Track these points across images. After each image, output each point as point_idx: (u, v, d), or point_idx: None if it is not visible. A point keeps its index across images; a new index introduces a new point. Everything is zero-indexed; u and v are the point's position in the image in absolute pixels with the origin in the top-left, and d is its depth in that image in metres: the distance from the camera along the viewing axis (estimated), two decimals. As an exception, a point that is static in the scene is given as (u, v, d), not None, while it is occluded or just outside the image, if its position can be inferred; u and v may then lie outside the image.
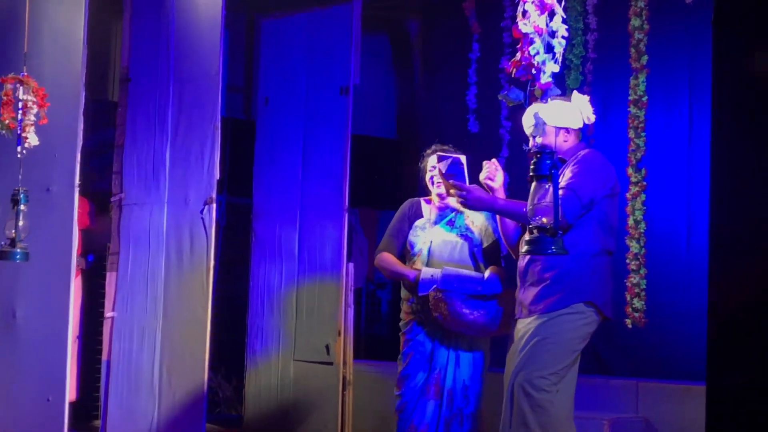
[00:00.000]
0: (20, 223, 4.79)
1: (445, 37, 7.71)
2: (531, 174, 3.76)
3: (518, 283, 4.56)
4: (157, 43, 6.76)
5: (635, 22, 6.34)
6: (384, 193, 8.64)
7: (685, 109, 6.59)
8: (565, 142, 4.50)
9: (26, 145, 4.78)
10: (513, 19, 6.79)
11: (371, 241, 8.51)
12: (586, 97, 4.44)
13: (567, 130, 4.49)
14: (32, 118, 4.81)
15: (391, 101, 8.31)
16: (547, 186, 3.68)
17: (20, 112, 4.77)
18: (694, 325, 6.47)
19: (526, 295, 4.47)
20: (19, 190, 4.74)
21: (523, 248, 3.76)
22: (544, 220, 3.68)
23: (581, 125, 4.50)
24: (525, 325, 4.45)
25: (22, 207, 4.77)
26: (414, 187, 8.26)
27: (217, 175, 6.44)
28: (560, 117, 4.35)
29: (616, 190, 4.53)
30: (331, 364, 6.65)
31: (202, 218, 6.40)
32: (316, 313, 6.78)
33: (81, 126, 5.98)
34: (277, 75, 7.18)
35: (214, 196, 6.43)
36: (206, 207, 6.41)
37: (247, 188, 7.22)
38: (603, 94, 6.72)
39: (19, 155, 4.79)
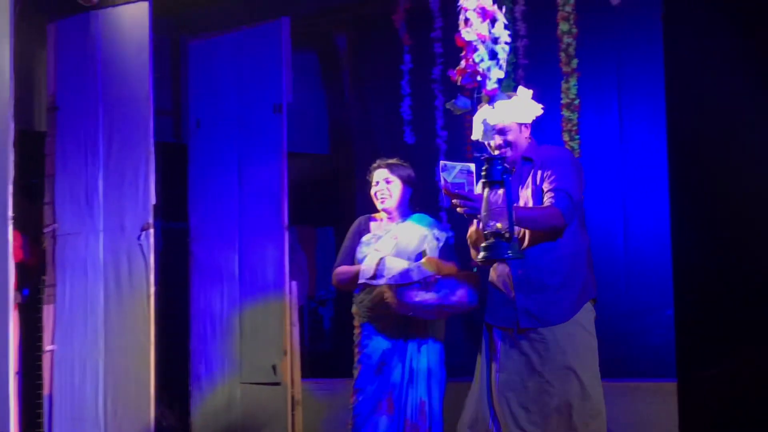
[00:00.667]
0: None
1: (376, 50, 7.71)
2: (483, 180, 3.77)
3: (507, 291, 4.35)
4: (83, 70, 6.70)
5: (563, 26, 6.39)
6: (321, 209, 8.60)
7: (614, 109, 6.67)
8: (526, 139, 4.43)
9: None
10: (443, 29, 6.89)
11: (311, 258, 8.46)
12: (530, 92, 4.41)
13: (525, 125, 4.43)
14: None
15: (324, 117, 8.27)
16: (500, 191, 3.70)
17: None
18: (635, 324, 6.55)
19: (530, 303, 4.29)
20: None
21: (480, 255, 3.76)
22: (499, 225, 3.69)
23: (533, 118, 4.45)
24: (540, 335, 4.27)
25: None
26: (351, 201, 8.25)
27: (153, 200, 6.38)
28: (518, 113, 4.34)
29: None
30: (278, 384, 6.60)
31: (140, 244, 6.33)
32: (260, 334, 6.72)
33: (12, 157, 5.88)
34: (208, 96, 7.12)
35: (151, 221, 6.36)
36: (143, 233, 6.35)
37: (183, 212, 7.14)
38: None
39: None
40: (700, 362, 2.79)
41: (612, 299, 6.49)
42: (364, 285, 5.10)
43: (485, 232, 3.77)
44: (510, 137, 4.34)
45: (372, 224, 5.31)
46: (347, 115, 8.12)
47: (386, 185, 5.23)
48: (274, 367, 6.60)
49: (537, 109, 4.39)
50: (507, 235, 3.75)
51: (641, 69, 6.50)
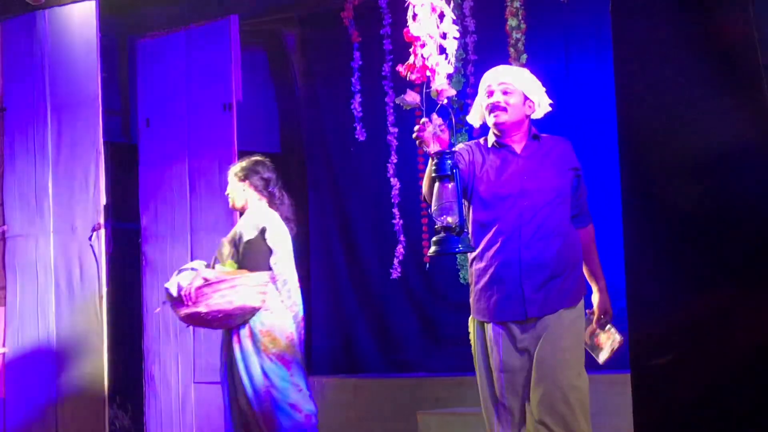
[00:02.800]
0: None
1: (325, 47, 7.72)
2: (433, 175, 3.79)
3: (514, 282, 4.11)
4: (31, 70, 6.65)
5: (512, 22, 6.45)
6: (272, 207, 8.58)
7: (564, 105, 6.73)
8: (526, 116, 4.23)
9: None
10: (392, 26, 6.92)
11: (263, 256, 8.44)
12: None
13: (533, 104, 4.23)
14: None
15: (273, 115, 8.26)
16: (449, 185, 3.71)
17: None
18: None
19: (540, 290, 4.07)
20: None
21: (430, 249, 3.77)
22: (449, 219, 3.71)
23: (537, 107, 4.27)
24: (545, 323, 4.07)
25: None
26: (303, 200, 8.25)
27: (104, 201, 6.35)
28: (530, 86, 4.22)
29: None
30: (232, 383, 6.57)
31: (91, 245, 6.30)
32: (214, 333, 6.68)
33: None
34: (157, 95, 7.09)
35: (101, 222, 6.33)
36: (94, 234, 6.31)
37: (134, 212, 7.10)
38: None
39: None
40: (653, 352, 2.83)
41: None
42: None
43: (436, 227, 3.78)
44: (511, 100, 4.18)
45: None
46: (298, 113, 8.12)
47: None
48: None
49: (545, 104, 4.28)
50: (457, 229, 3.75)
51: (590, 64, 6.58)
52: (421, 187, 6.99)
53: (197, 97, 6.93)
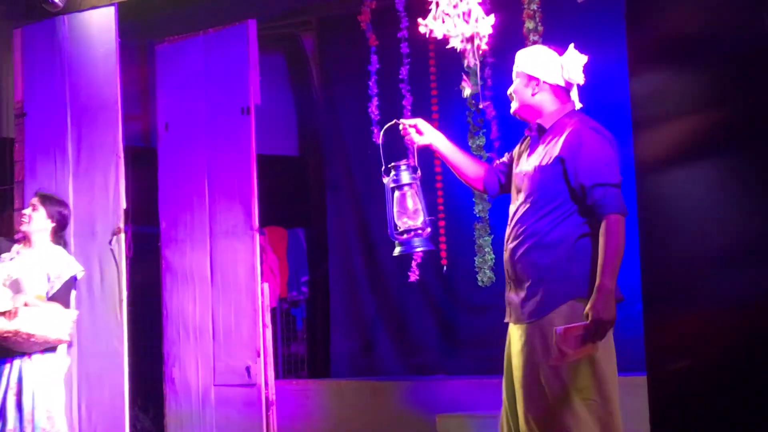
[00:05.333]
0: None
1: (342, 51, 7.74)
2: (392, 186, 3.94)
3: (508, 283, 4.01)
4: (51, 75, 6.68)
5: (529, 24, 6.44)
6: (291, 211, 8.62)
7: (583, 106, 6.72)
8: (532, 96, 3.98)
9: None
10: (410, 29, 6.92)
11: (282, 260, 8.48)
12: (583, 57, 3.98)
13: (537, 81, 3.96)
14: None
15: (292, 119, 8.30)
16: (408, 193, 3.93)
17: None
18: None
19: (512, 296, 3.96)
20: None
21: (396, 250, 3.92)
22: (410, 222, 3.90)
23: (561, 83, 3.96)
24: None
25: None
26: (321, 202, 8.28)
27: (124, 205, 6.37)
28: (532, 63, 3.98)
29: None
30: (253, 386, 6.61)
31: (111, 249, 6.33)
32: (233, 336, 6.73)
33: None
34: (176, 100, 7.11)
35: (121, 226, 6.36)
36: (114, 238, 6.34)
37: (152, 216, 7.13)
38: (504, 97, 6.76)
39: None
40: (670, 356, 2.82)
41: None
42: None
43: (400, 230, 3.95)
44: (517, 87, 4.02)
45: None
46: (316, 117, 8.15)
47: (31, 211, 5.50)
48: (248, 369, 6.61)
49: (568, 75, 3.94)
50: (421, 231, 3.94)
51: (609, 66, 6.56)
52: (438, 189, 7.06)
53: (216, 101, 6.95)
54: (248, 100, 6.78)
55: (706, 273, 2.97)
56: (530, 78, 3.99)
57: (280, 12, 7.56)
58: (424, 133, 4.26)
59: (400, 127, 4.26)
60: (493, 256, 6.78)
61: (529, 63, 4.02)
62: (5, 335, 5.18)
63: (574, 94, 4.06)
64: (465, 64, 4.10)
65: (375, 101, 7.27)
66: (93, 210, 6.46)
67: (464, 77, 4.20)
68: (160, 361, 6.98)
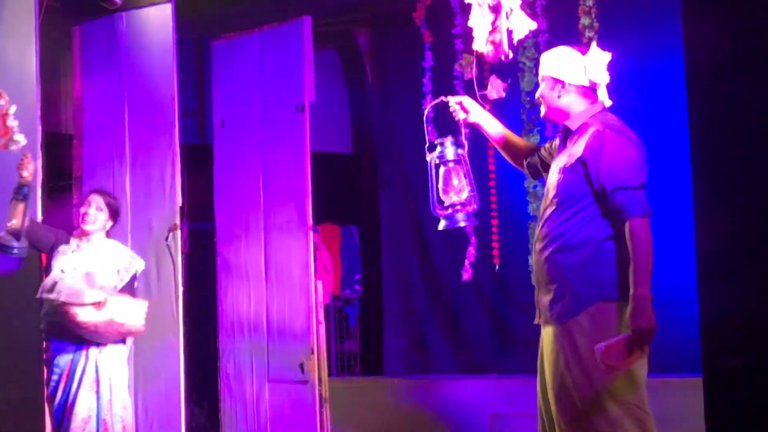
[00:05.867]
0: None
1: (396, 47, 7.74)
2: (437, 161, 3.99)
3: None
4: (109, 72, 6.74)
5: (585, 20, 6.40)
6: (345, 208, 8.64)
7: (637, 104, 6.67)
8: (558, 98, 3.95)
9: (13, 148, 4.96)
10: (464, 26, 6.88)
11: (335, 257, 8.50)
12: (606, 55, 3.94)
13: (563, 84, 3.93)
14: (14, 122, 4.91)
15: (346, 116, 8.31)
16: (453, 168, 4.11)
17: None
18: (663, 317, 6.52)
19: (540, 298, 3.99)
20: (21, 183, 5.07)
21: (440, 224, 3.98)
22: (455, 197, 3.98)
23: (585, 83, 3.92)
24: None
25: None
26: (374, 199, 8.29)
27: (179, 201, 6.41)
28: (556, 66, 3.95)
29: None
30: (306, 382, 6.63)
31: (168, 245, 6.37)
32: (287, 332, 6.75)
33: (39, 161, 5.92)
34: (232, 97, 7.16)
35: (177, 222, 6.40)
36: (170, 234, 6.38)
37: (207, 213, 7.18)
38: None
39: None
40: (726, 356, 2.78)
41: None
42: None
43: (445, 204, 3.94)
44: (544, 91, 3.99)
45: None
46: (369, 114, 8.15)
47: (96, 211, 5.60)
48: (301, 366, 6.63)
49: (591, 75, 3.91)
50: (466, 206, 4.06)
51: (665, 63, 6.50)
52: (491, 188, 7.03)
53: (270, 98, 6.98)
54: (303, 98, 6.79)
55: (763, 272, 2.93)
56: (555, 81, 3.95)
57: (334, 9, 7.58)
58: (470, 111, 4.30)
59: (450, 105, 4.31)
60: (546, 254, 6.73)
61: (553, 66, 3.98)
62: (95, 325, 5.32)
63: (603, 93, 4.02)
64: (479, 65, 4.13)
65: (429, 98, 7.26)
66: (149, 206, 6.51)
67: (493, 77, 4.17)
68: (214, 357, 7.03)
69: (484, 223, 7.13)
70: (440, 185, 4.13)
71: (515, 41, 3.98)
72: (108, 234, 5.70)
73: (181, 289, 6.32)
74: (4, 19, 6.08)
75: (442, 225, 4.13)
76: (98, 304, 5.31)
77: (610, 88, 6.52)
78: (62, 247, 5.55)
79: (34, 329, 5.59)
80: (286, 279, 6.79)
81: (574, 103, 3.95)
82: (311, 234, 6.71)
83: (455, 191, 4.12)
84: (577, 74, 3.91)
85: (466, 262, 7.15)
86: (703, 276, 2.94)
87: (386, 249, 7.98)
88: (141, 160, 6.61)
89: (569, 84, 3.92)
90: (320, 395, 6.61)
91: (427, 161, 4.30)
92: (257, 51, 7.06)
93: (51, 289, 5.34)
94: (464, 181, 4.13)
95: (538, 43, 6.68)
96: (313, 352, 6.62)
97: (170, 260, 6.34)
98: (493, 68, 7.03)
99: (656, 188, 6.54)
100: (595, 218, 3.78)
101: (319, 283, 6.72)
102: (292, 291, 6.76)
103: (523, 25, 3.94)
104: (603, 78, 3.95)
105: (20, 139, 5.03)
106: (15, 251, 5.25)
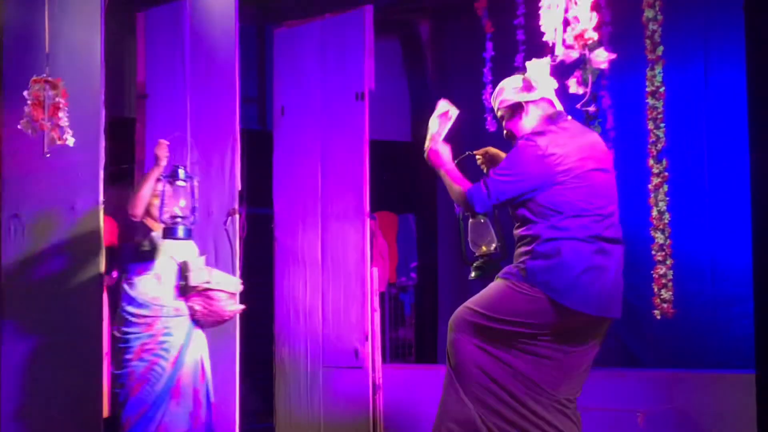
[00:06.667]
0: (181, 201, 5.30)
1: (458, 37, 7.72)
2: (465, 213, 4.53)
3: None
4: (172, 58, 6.79)
5: (649, 13, 6.34)
6: (402, 196, 8.65)
7: (700, 97, 6.60)
8: (525, 117, 4.34)
9: (61, 141, 4.98)
10: (526, 16, 6.87)
11: (391, 245, 8.52)
12: (542, 61, 4.27)
13: (521, 105, 4.32)
14: (65, 118, 4.94)
15: (405, 104, 8.31)
16: (482, 220, 4.59)
17: (50, 112, 4.91)
18: (723, 313, 6.49)
19: None
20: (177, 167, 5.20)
21: (473, 274, 4.50)
22: (484, 248, 4.56)
23: (534, 97, 4.29)
24: None
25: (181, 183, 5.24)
26: (432, 188, 8.28)
27: (239, 186, 6.46)
28: (507, 89, 4.38)
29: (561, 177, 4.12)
30: (360, 368, 6.66)
31: (226, 230, 6.42)
32: (342, 319, 6.79)
33: (102, 144, 6.01)
34: (292, 84, 7.20)
35: (236, 207, 6.45)
36: (229, 218, 6.43)
37: (266, 198, 7.23)
38: (620, 87, 6.73)
39: (47, 155, 4.92)
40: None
41: (697, 290, 6.45)
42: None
43: (476, 255, 4.42)
44: (507, 122, 4.42)
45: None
46: (429, 103, 8.12)
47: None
48: (355, 352, 6.67)
49: (535, 84, 4.28)
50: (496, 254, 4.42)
51: (729, 56, 6.42)
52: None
53: (331, 86, 7.00)
54: (363, 86, 6.81)
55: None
56: (514, 106, 4.34)
57: (396, -2, 7.59)
58: (495, 162, 4.58)
59: (477, 159, 4.70)
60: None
61: (506, 95, 4.38)
62: (231, 314, 5.73)
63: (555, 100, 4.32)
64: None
65: (489, 89, 7.24)
66: (209, 190, 6.57)
67: (576, 73, 4.15)
68: (270, 342, 7.09)
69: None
70: (470, 237, 4.44)
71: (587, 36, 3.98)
72: None
73: (238, 272, 6.37)
74: (70, 4, 6.16)
75: (473, 275, 4.41)
76: (234, 295, 5.68)
77: (676, 86, 6.48)
78: (154, 234, 5.65)
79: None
80: (342, 266, 6.82)
81: (533, 118, 4.33)
82: (368, 221, 6.74)
83: (486, 243, 4.43)
84: (527, 92, 4.30)
85: (523, 253, 7.12)
86: (758, 274, 2.91)
87: (443, 237, 7.97)
88: (202, 145, 6.66)
89: (526, 102, 4.31)
90: (374, 382, 6.64)
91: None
92: (318, 39, 7.09)
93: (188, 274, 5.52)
94: (492, 233, 4.43)
95: (602, 34, 6.63)
96: (367, 339, 6.65)
97: (228, 244, 6.39)
98: (555, 60, 7.03)
99: (720, 184, 6.51)
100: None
101: (375, 270, 6.74)
102: (348, 278, 6.79)
103: (592, 21, 3.96)
104: (547, 84, 4.30)
105: (70, 141, 5.09)
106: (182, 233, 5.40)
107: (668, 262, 6.36)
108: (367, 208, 6.73)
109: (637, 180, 6.57)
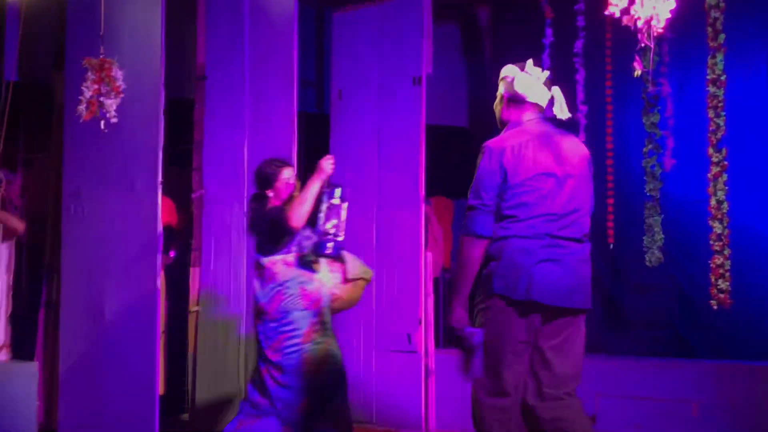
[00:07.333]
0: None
1: (517, 23, 7.68)
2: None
3: None
4: (232, 40, 6.84)
5: (711, 0, 6.26)
6: (457, 181, 8.61)
7: (763, 86, 6.50)
8: (505, 110, 4.50)
9: (112, 119, 4.96)
10: (587, 2, 6.81)
11: (446, 230, 8.50)
12: (541, 74, 4.48)
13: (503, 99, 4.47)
14: (118, 98, 5.00)
15: (463, 89, 8.28)
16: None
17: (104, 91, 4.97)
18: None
19: None
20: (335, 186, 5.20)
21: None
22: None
23: (504, 95, 4.46)
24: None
25: (336, 202, 5.20)
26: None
27: (295, 169, 6.48)
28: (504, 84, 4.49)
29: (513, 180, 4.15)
30: (413, 353, 6.68)
31: (280, 212, 6.44)
32: (395, 302, 6.81)
33: (162, 124, 6.07)
34: (350, 68, 7.21)
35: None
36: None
37: (322, 181, 7.24)
38: (680, 74, 6.66)
39: (104, 129, 4.97)
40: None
41: (755, 281, 6.37)
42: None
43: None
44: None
45: None
46: (487, 88, 8.08)
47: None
48: (408, 336, 6.68)
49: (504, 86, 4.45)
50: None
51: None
52: (608, 167, 6.94)
53: (388, 71, 7.01)
54: (420, 70, 6.82)
55: None
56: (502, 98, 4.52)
57: (456, -18, 7.55)
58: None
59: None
60: (662, 236, 6.64)
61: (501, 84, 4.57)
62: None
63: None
64: (638, 45, 4.09)
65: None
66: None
67: (636, 57, 4.15)
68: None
69: (599, 201, 7.06)
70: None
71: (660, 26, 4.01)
72: None
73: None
74: (132, -15, 6.23)
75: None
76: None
77: (737, 74, 6.39)
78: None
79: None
80: (397, 249, 6.84)
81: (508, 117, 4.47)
82: (423, 206, 6.74)
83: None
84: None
85: (580, 240, 7.08)
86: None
87: (497, 223, 7.93)
88: (259, 126, 6.71)
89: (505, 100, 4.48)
90: (426, 366, 6.66)
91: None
92: (377, 23, 7.09)
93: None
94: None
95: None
96: (420, 324, 6.66)
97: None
98: (614, 46, 6.98)
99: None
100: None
101: (429, 255, 6.74)
102: (402, 262, 6.81)
103: (664, 7, 3.97)
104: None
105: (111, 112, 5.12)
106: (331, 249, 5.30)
107: (726, 252, 6.28)
108: (423, 192, 6.74)
109: (695, 169, 6.50)
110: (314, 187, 5.26)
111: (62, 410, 6.21)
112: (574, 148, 4.36)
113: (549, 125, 4.40)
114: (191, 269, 6.87)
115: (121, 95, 5.13)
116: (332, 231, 5.22)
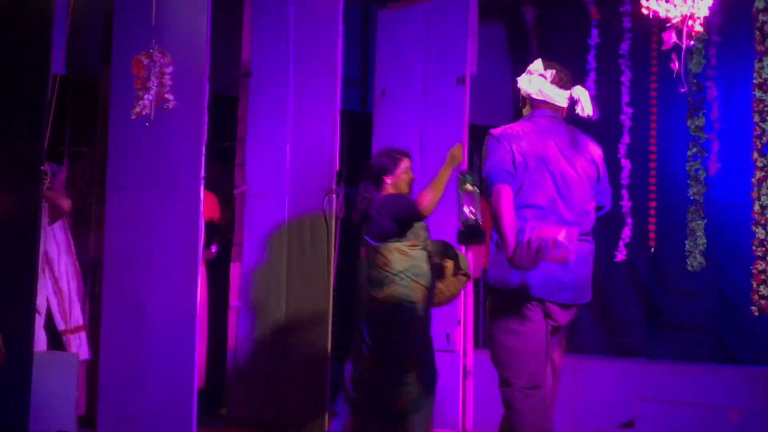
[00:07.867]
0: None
1: (562, 23, 7.64)
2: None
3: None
4: (277, 38, 6.87)
5: (759, 3, 6.18)
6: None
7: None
8: (523, 107, 4.65)
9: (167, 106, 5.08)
10: (633, 3, 6.76)
11: (487, 231, 8.47)
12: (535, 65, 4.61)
13: (526, 95, 4.62)
14: (163, 91, 5.05)
15: (507, 90, 8.23)
16: None
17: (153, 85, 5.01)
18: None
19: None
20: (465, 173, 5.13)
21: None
22: None
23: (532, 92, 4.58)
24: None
25: (468, 188, 5.15)
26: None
27: (337, 167, 6.50)
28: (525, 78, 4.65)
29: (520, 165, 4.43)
30: (452, 352, 6.67)
31: (323, 209, 6.46)
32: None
33: (205, 120, 6.10)
34: (394, 66, 7.22)
35: (334, 187, 6.50)
36: (326, 198, 6.48)
37: (364, 179, 7.25)
38: (727, 78, 6.59)
39: (152, 121, 5.01)
40: None
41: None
42: None
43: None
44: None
45: None
46: (532, 89, 8.06)
47: None
48: (447, 336, 6.67)
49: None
50: None
51: None
52: (651, 170, 6.89)
53: (432, 70, 7.00)
54: (464, 70, 6.81)
55: None
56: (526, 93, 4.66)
57: (502, -18, 7.53)
58: None
59: None
60: (704, 240, 6.59)
61: (521, 82, 4.71)
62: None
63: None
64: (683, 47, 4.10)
65: (592, 76, 7.17)
66: (308, 169, 6.63)
67: (674, 56, 4.14)
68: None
69: (641, 204, 7.01)
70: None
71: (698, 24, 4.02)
72: None
73: (333, 252, 6.42)
74: (178, -19, 6.27)
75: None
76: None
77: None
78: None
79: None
80: (440, 249, 6.81)
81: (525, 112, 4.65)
82: (464, 206, 6.72)
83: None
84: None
85: (621, 242, 7.04)
86: None
87: (539, 225, 7.90)
88: (302, 124, 6.73)
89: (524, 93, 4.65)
90: (464, 366, 6.64)
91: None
92: (422, 21, 7.09)
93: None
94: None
95: (710, 24, 6.50)
96: (459, 323, 6.65)
97: (324, 223, 6.43)
98: (660, 48, 6.92)
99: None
100: None
101: (469, 255, 6.72)
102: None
103: (703, 5, 3.96)
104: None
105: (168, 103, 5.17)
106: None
107: (768, 258, 6.22)
108: (465, 192, 6.71)
109: (739, 173, 6.43)
110: (445, 174, 5.26)
111: (102, 402, 6.27)
112: (583, 147, 4.48)
113: (558, 123, 4.52)
114: (232, 264, 6.91)
115: (169, 93, 5.19)
116: (473, 217, 5.21)
